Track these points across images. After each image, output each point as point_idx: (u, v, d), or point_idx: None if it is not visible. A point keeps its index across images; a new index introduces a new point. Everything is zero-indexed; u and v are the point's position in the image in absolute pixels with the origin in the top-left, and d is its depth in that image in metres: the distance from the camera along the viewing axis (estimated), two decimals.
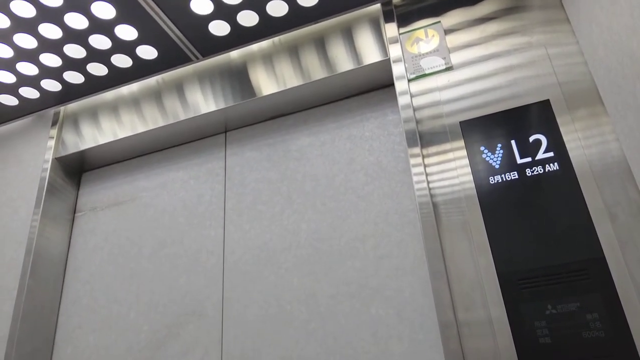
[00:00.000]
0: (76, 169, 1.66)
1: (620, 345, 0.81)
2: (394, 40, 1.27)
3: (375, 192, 1.26)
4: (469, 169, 1.04)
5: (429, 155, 1.11)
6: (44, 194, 1.50)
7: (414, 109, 1.17)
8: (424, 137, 1.13)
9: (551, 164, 0.98)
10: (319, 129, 1.42)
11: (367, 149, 1.33)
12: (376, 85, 1.39)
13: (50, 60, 1.36)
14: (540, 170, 0.98)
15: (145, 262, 1.42)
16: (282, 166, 1.40)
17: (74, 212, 1.62)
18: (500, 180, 1.00)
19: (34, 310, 1.37)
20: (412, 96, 1.19)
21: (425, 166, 1.09)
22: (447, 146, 1.09)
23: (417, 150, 1.11)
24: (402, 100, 1.18)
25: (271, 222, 1.33)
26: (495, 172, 1.01)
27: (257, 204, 1.37)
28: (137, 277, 1.41)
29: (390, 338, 1.10)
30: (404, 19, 1.29)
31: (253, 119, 1.50)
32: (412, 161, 1.10)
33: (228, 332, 1.24)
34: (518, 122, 1.04)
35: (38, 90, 1.48)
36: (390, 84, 1.37)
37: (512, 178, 0.99)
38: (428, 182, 1.07)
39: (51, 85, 1.46)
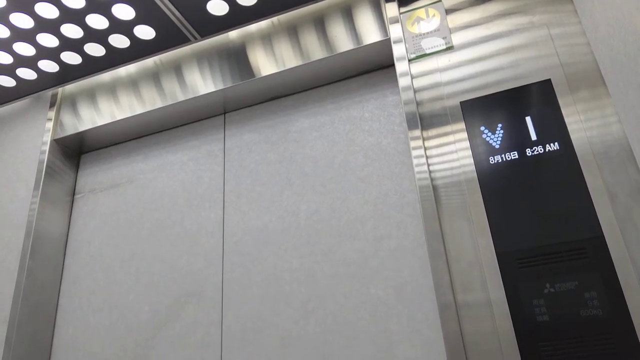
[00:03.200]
0: (75, 151, 1.66)
1: (618, 323, 0.81)
2: (395, 20, 1.25)
3: (375, 174, 1.26)
4: (469, 150, 1.04)
5: (429, 138, 1.10)
6: (42, 176, 1.50)
7: (415, 91, 1.16)
8: (424, 119, 1.12)
9: (551, 144, 0.97)
10: (318, 110, 1.41)
11: (366, 130, 1.32)
12: (376, 66, 1.38)
13: (48, 40, 1.34)
14: (541, 150, 0.97)
15: (144, 243, 1.43)
16: (281, 147, 1.39)
17: (73, 194, 1.62)
18: (500, 161, 1.00)
19: (35, 291, 1.37)
20: (412, 77, 1.18)
21: (425, 149, 1.09)
22: (447, 128, 1.09)
23: (417, 132, 1.11)
24: (403, 81, 1.17)
25: (270, 204, 1.33)
26: (495, 152, 1.01)
27: (256, 186, 1.37)
28: (137, 259, 1.41)
29: (389, 317, 1.10)
30: None
31: (252, 100, 1.49)
32: (413, 144, 1.10)
33: (228, 312, 1.24)
34: (519, 102, 1.03)
35: (35, 71, 1.47)
36: (390, 65, 1.35)
37: (512, 158, 0.99)
38: (428, 165, 1.06)
39: (48, 66, 1.45)
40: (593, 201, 0.90)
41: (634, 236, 0.85)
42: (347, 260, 1.19)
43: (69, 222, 1.57)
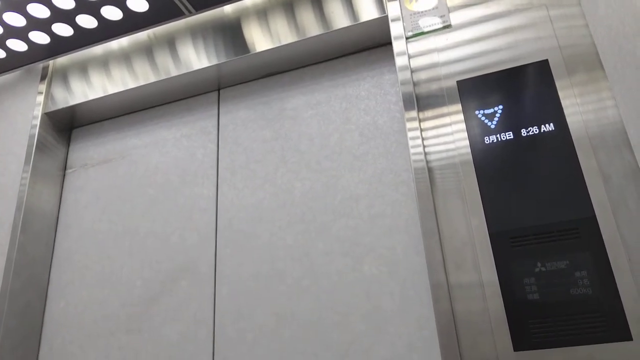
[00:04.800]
0: (66, 125, 1.63)
1: (607, 302, 0.82)
2: None
3: (370, 152, 1.26)
4: (465, 131, 1.03)
5: (425, 119, 1.09)
6: (33, 150, 1.48)
7: (412, 71, 1.15)
8: (421, 100, 1.11)
9: (547, 125, 0.97)
10: (314, 87, 1.40)
11: (362, 108, 1.32)
12: (373, 44, 1.36)
13: (38, 10, 1.31)
14: (536, 131, 0.97)
15: (137, 219, 1.42)
16: (277, 125, 1.38)
17: (65, 169, 1.61)
18: (495, 140, 1.00)
19: (26, 265, 1.37)
20: (409, 57, 1.16)
21: (421, 130, 1.08)
22: (444, 109, 1.08)
23: (414, 114, 1.10)
24: (400, 61, 1.16)
25: (265, 181, 1.33)
26: (490, 132, 1.01)
27: (250, 163, 1.36)
28: (130, 234, 1.41)
29: (383, 295, 1.11)
30: None
31: (247, 77, 1.47)
32: (409, 125, 1.09)
33: (221, 289, 1.25)
34: (515, 82, 1.03)
35: (26, 43, 1.44)
36: (388, 43, 1.34)
37: (508, 138, 0.99)
38: (424, 147, 1.06)
39: (39, 37, 1.42)
40: (586, 182, 0.90)
41: (626, 217, 0.86)
42: (341, 237, 1.19)
43: (60, 197, 1.55)
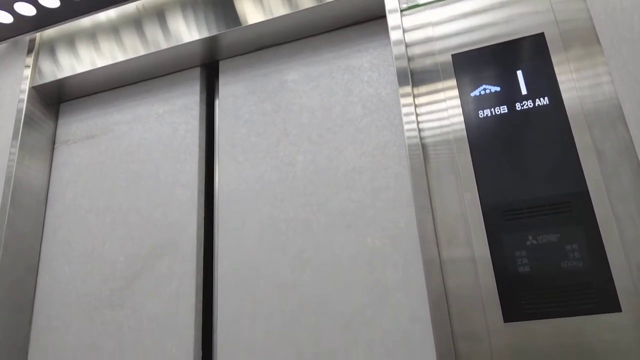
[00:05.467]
0: (54, 99, 1.60)
1: (597, 274, 0.83)
2: None
3: (373, 125, 1.24)
4: (459, 106, 1.02)
5: (419, 95, 1.08)
6: (21, 125, 1.45)
7: (406, 45, 1.13)
8: (415, 75, 1.10)
9: (541, 99, 0.96)
10: (315, 59, 1.37)
11: (365, 80, 1.29)
12: (369, 16, 1.33)
13: None
14: (530, 105, 0.97)
15: (120, 195, 1.41)
16: (277, 97, 1.36)
17: (53, 144, 1.58)
18: (489, 115, 0.99)
19: (16, 239, 1.35)
20: (404, 31, 1.15)
21: (415, 106, 1.07)
22: (438, 85, 1.07)
23: (408, 89, 1.09)
24: (394, 35, 1.14)
25: (266, 154, 1.31)
26: (485, 106, 1.00)
27: (251, 136, 1.34)
28: (112, 211, 1.40)
29: (385, 267, 1.11)
30: None
31: (242, 49, 1.44)
32: (403, 101, 1.08)
33: (223, 261, 1.24)
34: (511, 55, 1.02)
35: (11, 14, 1.40)
36: (383, 16, 1.32)
37: (502, 112, 0.98)
38: (418, 123, 1.05)
39: (26, 9, 1.38)
40: (580, 157, 0.90)
41: (619, 192, 0.86)
42: (343, 210, 1.18)
43: (50, 172, 1.53)
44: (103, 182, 1.44)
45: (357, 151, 1.23)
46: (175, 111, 1.45)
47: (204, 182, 1.36)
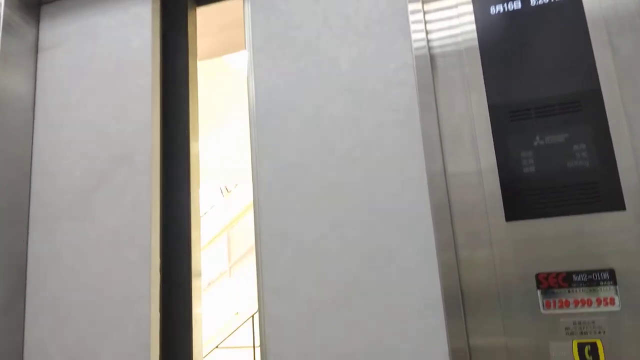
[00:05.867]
0: (33, 2, 1.50)
1: (603, 173, 0.81)
2: None
3: None
4: (470, 3, 0.95)
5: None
6: (0, 31, 1.36)
7: None
8: None
9: None
10: None
11: None
12: None
13: None
14: (546, 0, 0.90)
15: (73, 109, 1.35)
16: None
17: (37, 50, 1.50)
18: (502, 11, 0.93)
19: (6, 144, 1.32)
20: None
21: (425, 13, 1.01)
22: None
23: None
24: None
25: (305, 48, 1.20)
26: (497, 1, 0.93)
27: (288, 29, 1.23)
28: (65, 126, 1.35)
29: None
30: None
31: None
32: (411, 7, 1.02)
33: (262, 161, 1.18)
34: None
35: None
36: None
37: (515, 8, 0.92)
38: (425, 23, 1.00)
39: None
40: (594, 54, 0.85)
41: (632, 91, 0.82)
42: (393, 106, 1.09)
43: (35, 79, 1.46)
44: (58, 95, 1.39)
45: (408, 45, 1.10)
46: (127, 22, 1.36)
47: None
